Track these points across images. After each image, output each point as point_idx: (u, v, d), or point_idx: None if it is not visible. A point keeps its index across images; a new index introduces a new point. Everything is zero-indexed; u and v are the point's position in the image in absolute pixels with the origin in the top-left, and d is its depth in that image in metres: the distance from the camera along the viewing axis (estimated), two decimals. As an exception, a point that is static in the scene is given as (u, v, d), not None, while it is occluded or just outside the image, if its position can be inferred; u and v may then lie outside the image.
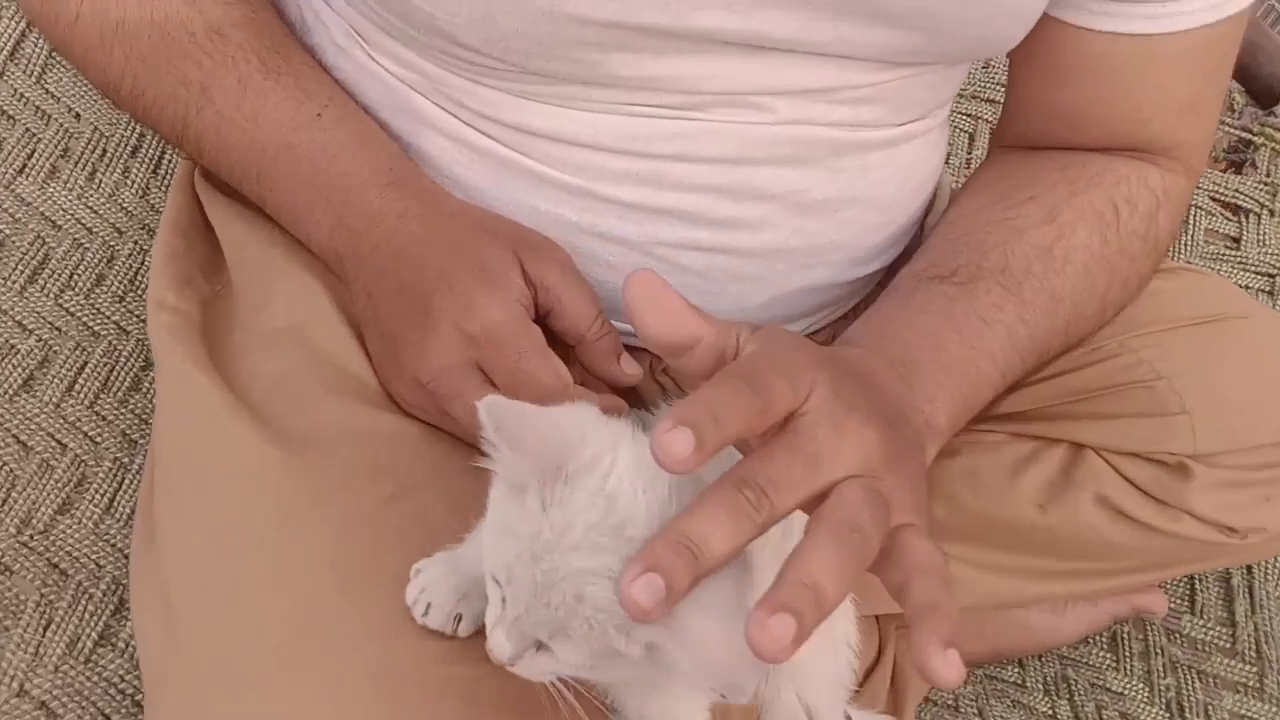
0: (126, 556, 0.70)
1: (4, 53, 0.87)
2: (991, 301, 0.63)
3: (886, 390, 0.53)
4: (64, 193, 0.83)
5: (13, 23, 0.88)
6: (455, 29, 0.58)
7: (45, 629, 0.65)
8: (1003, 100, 0.74)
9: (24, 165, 0.83)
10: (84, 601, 0.67)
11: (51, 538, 0.69)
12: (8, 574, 0.67)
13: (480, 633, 0.53)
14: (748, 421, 0.43)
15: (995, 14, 0.60)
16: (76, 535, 0.70)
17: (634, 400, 0.67)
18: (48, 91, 0.87)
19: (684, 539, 0.41)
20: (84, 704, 0.64)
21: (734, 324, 0.49)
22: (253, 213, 0.69)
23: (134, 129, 0.88)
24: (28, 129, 0.85)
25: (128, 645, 0.67)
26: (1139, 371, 0.70)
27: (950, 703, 0.87)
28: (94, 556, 0.69)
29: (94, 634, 0.66)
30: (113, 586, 0.69)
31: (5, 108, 0.85)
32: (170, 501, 0.62)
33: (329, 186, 0.64)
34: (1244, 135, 1.12)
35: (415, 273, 0.61)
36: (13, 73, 0.87)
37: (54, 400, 0.75)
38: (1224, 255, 1.06)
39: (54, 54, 0.88)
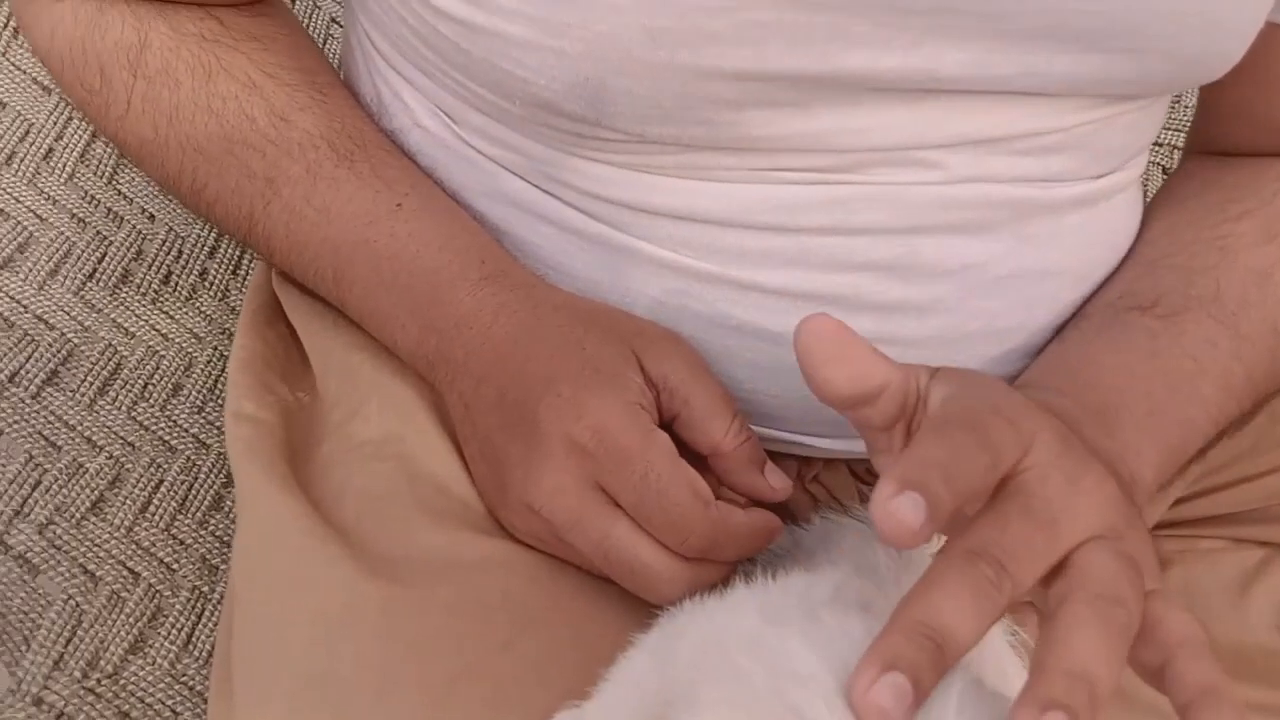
0: (205, 701, 0.61)
1: (75, 155, 0.81)
2: (1202, 336, 0.54)
3: (1089, 439, 0.46)
4: (137, 298, 0.77)
5: (83, 125, 0.82)
6: (556, 96, 0.50)
7: (113, 791, 0.56)
8: (1174, 140, 0.64)
9: (94, 270, 0.76)
10: (158, 757, 0.58)
11: (121, 682, 0.60)
12: (71, 726, 0.58)
13: None
14: (981, 479, 0.37)
15: (1213, 28, 0.50)
16: (150, 678, 0.61)
17: (782, 515, 0.57)
18: (119, 192, 0.81)
19: (924, 628, 0.34)
20: None
21: (914, 366, 0.42)
22: (336, 314, 0.61)
23: (211, 228, 0.81)
24: (99, 232, 0.78)
25: (208, 808, 0.57)
26: None
27: None
28: (170, 703, 0.61)
29: (169, 795, 0.57)
30: (190, 737, 0.59)
31: (76, 211, 0.79)
32: (248, 651, 0.53)
33: (413, 286, 0.55)
34: None
35: (516, 379, 0.52)
36: (83, 174, 0.81)
37: (125, 524, 0.66)
38: None
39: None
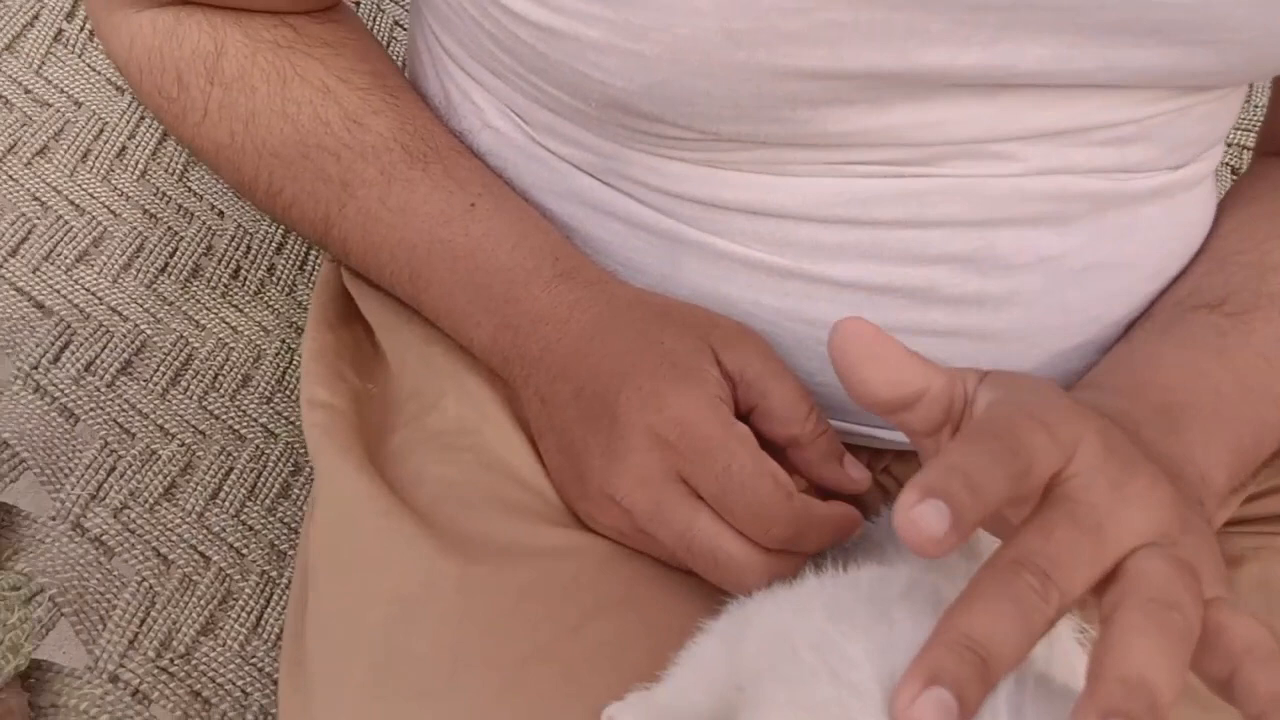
0: (274, 682, 0.62)
1: (147, 152, 0.83)
2: (1273, 335, 0.54)
3: (1152, 441, 0.45)
4: (207, 292, 0.78)
5: (155, 124, 0.84)
6: (632, 97, 0.50)
7: (187, 766, 0.57)
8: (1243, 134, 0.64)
9: (166, 264, 0.78)
10: (229, 734, 0.59)
11: (194, 662, 0.61)
12: (145, 703, 0.59)
13: None
14: (1009, 488, 0.35)
15: None
16: (221, 659, 0.62)
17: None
18: (190, 189, 0.82)
19: (967, 641, 0.33)
20: None
21: (961, 370, 0.40)
22: (409, 308, 0.62)
23: (278, 226, 0.83)
24: (170, 228, 0.80)
25: (277, 786, 0.58)
26: None
27: None
28: (240, 683, 0.61)
29: (240, 772, 0.58)
30: (260, 716, 0.60)
31: (148, 207, 0.80)
32: (323, 623, 0.54)
33: (489, 284, 0.56)
34: None
35: (594, 374, 0.52)
36: (155, 172, 0.83)
37: (197, 510, 0.68)
38: None
39: (197, 152, 0.84)
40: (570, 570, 0.52)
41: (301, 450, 0.73)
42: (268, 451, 0.72)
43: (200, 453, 0.70)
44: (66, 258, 0.76)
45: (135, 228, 0.79)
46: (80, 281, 0.75)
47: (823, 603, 0.42)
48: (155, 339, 0.74)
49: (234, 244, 0.81)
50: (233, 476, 0.70)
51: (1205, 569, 0.37)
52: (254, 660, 0.63)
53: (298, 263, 0.82)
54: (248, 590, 0.65)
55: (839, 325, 0.39)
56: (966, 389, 0.40)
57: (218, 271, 0.79)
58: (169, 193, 0.82)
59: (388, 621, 0.51)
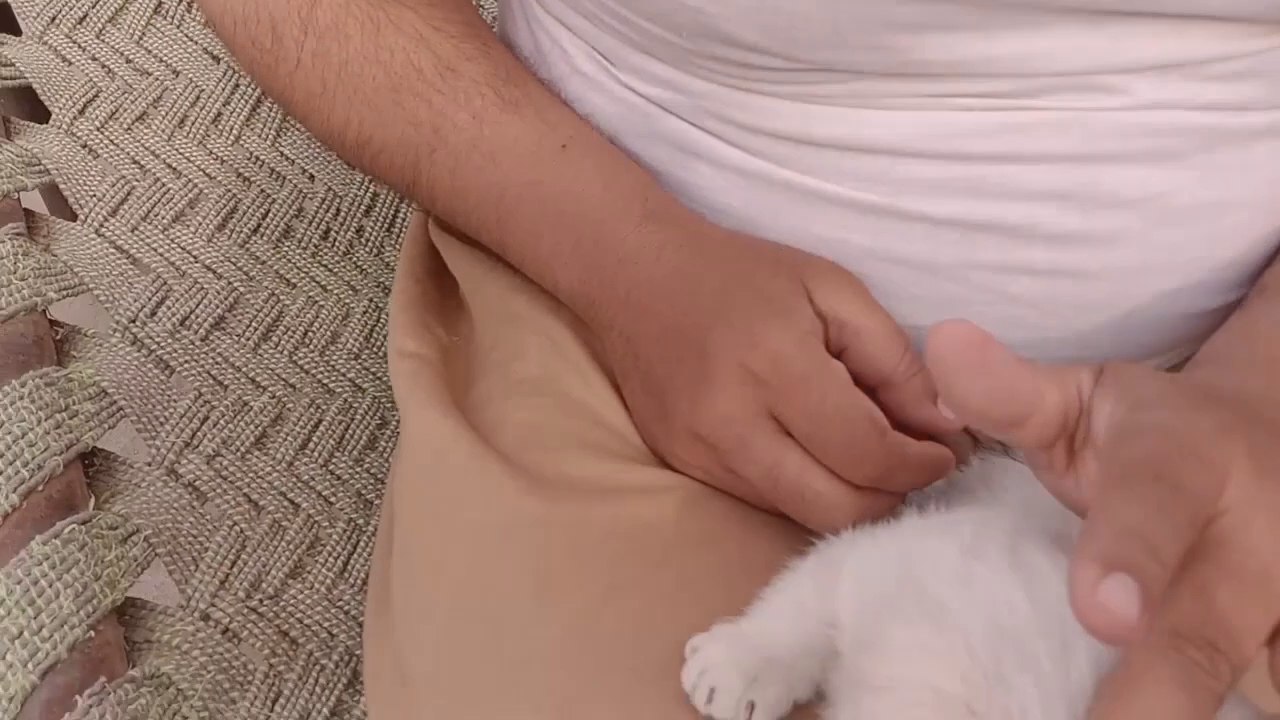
0: (359, 625, 0.63)
1: (241, 119, 0.85)
2: None
3: None
4: (298, 251, 0.80)
5: (249, 91, 0.86)
6: (728, 23, 0.49)
7: (274, 702, 0.58)
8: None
9: (259, 225, 0.80)
10: (315, 673, 0.60)
11: (282, 603, 0.63)
12: (235, 641, 0.60)
13: None
14: (1184, 542, 0.31)
15: None
16: (308, 601, 0.63)
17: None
18: (282, 154, 0.84)
19: None
20: (315, 787, 0.55)
21: (1069, 371, 0.37)
22: (494, 259, 0.62)
23: (368, 188, 0.84)
24: (263, 190, 0.82)
25: (363, 726, 0.59)
26: None
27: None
28: (326, 624, 0.62)
29: (326, 709, 0.59)
30: (346, 658, 0.61)
31: (242, 171, 0.82)
32: (408, 561, 0.55)
33: (577, 226, 0.56)
34: None
35: (683, 311, 0.52)
36: (248, 137, 0.84)
37: (286, 459, 0.69)
38: None
39: (288, 117, 0.86)
40: (654, 508, 0.51)
41: (388, 405, 0.74)
42: (355, 405, 0.73)
43: (290, 405, 0.72)
44: (163, 218, 0.78)
45: (229, 190, 0.81)
46: (176, 241, 0.77)
47: (939, 536, 0.40)
48: (247, 296, 0.76)
49: (324, 206, 0.82)
50: (321, 428, 0.71)
51: None
52: (340, 603, 0.64)
53: (385, 224, 0.83)
54: (335, 537, 0.66)
55: (937, 328, 0.35)
56: (1081, 396, 0.37)
57: (308, 232, 0.81)
58: (262, 157, 0.84)
59: (472, 556, 0.51)
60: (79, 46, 0.86)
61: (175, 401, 0.69)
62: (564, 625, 0.48)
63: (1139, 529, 0.30)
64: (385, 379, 0.74)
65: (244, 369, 0.72)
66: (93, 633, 0.56)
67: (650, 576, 0.49)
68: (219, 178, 0.81)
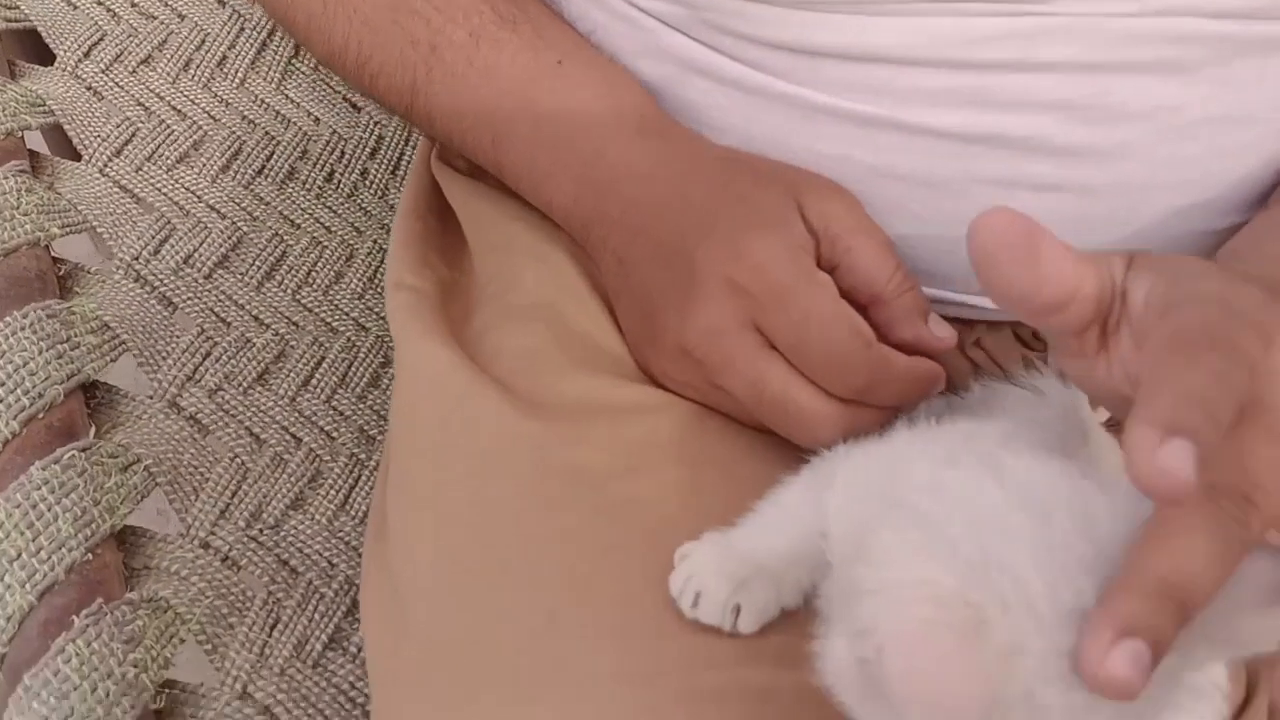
0: (360, 555, 0.63)
1: (246, 62, 0.85)
2: None
3: None
4: (302, 193, 0.79)
5: (254, 33, 0.86)
6: None
7: (272, 628, 0.58)
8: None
9: (263, 166, 0.80)
10: (314, 601, 0.60)
11: (282, 533, 0.62)
12: (235, 569, 0.60)
13: (768, 631, 0.43)
14: (1238, 403, 0.31)
15: None
16: (309, 532, 0.63)
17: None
18: (287, 97, 0.84)
19: (1162, 585, 0.30)
20: (310, 711, 0.56)
21: (1101, 257, 0.36)
22: (493, 190, 0.62)
23: (373, 131, 0.84)
24: (267, 132, 0.82)
25: (359, 651, 0.59)
26: None
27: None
28: (326, 554, 0.62)
29: (324, 636, 0.59)
30: (345, 587, 0.61)
31: (246, 113, 0.82)
32: (403, 486, 0.54)
33: (572, 143, 0.55)
34: None
35: (674, 228, 0.51)
36: (253, 81, 0.84)
37: (289, 394, 0.69)
38: None
39: (292, 61, 0.86)
40: (647, 424, 0.51)
41: (391, 344, 0.74)
42: (359, 344, 0.73)
43: (293, 342, 0.72)
44: (167, 159, 0.78)
45: (234, 132, 0.81)
46: (180, 181, 0.77)
47: (924, 449, 0.40)
48: (251, 236, 0.76)
49: (328, 149, 0.82)
50: (324, 365, 0.71)
51: None
52: (341, 534, 0.64)
53: (390, 167, 0.83)
54: (337, 470, 0.66)
55: (981, 219, 0.34)
56: (1115, 278, 0.36)
57: (312, 174, 0.81)
58: (267, 100, 0.83)
59: (465, 477, 0.51)
60: (84, -10, 0.86)
61: (178, 337, 0.69)
62: (556, 538, 0.47)
63: (1199, 394, 0.30)
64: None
65: (247, 306, 0.72)
66: (90, 556, 0.56)
67: (643, 491, 0.49)
68: (224, 120, 0.81)
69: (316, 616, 0.59)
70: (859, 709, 0.35)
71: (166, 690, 0.54)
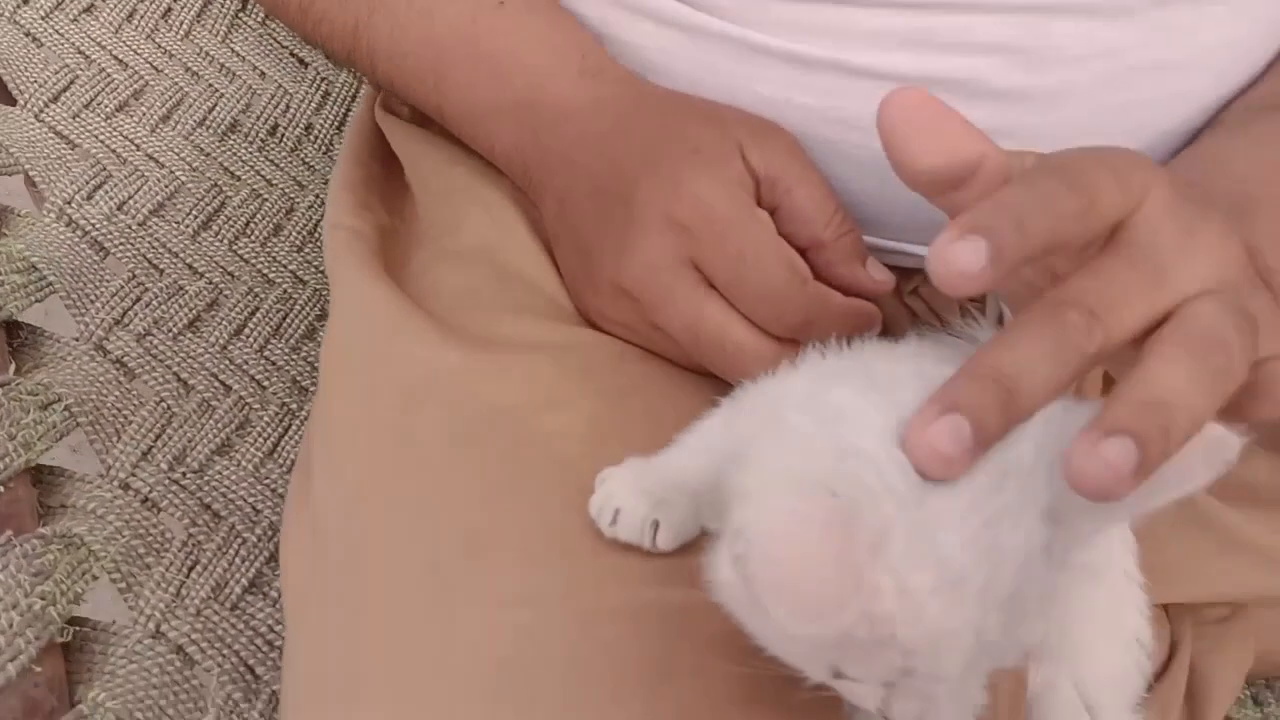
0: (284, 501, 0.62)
1: (192, 14, 0.83)
2: None
3: None
4: (244, 145, 0.78)
5: (202, -13, 0.85)
6: None
7: (190, 570, 0.57)
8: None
9: (204, 118, 0.78)
10: (235, 545, 0.59)
11: (206, 478, 0.61)
12: (154, 510, 0.59)
13: (687, 553, 0.42)
14: (1063, 226, 0.32)
15: None
16: (234, 478, 0.61)
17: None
18: (233, 51, 0.83)
19: (994, 372, 0.31)
20: (225, 651, 0.54)
21: (1019, 152, 0.36)
22: (437, 137, 0.61)
23: (318, 87, 0.83)
24: (210, 85, 0.80)
25: (280, 596, 0.57)
26: None
27: (1269, 733, 0.69)
28: (251, 500, 0.61)
29: (244, 580, 0.57)
30: (269, 533, 0.60)
31: (190, 65, 0.81)
32: (331, 417, 0.53)
33: (513, 84, 0.54)
34: None
35: (614, 166, 0.50)
36: (199, 33, 0.83)
37: (220, 342, 0.67)
38: None
39: (239, 15, 0.84)
40: (578, 360, 0.50)
41: (330, 297, 0.73)
42: (295, 296, 0.72)
43: (227, 291, 0.70)
44: (106, 107, 0.76)
45: (176, 83, 0.79)
46: (119, 129, 0.76)
47: (816, 370, 0.40)
48: (189, 185, 0.74)
49: (273, 103, 0.81)
50: (258, 316, 0.70)
51: (1270, 328, 0.34)
52: (267, 481, 0.62)
53: (335, 124, 0.82)
54: (266, 418, 0.65)
55: (890, 96, 0.35)
56: (1025, 166, 0.36)
57: (255, 127, 0.79)
58: (212, 53, 0.82)
59: (393, 410, 0.50)
60: (28, -61, 0.84)
61: (107, 282, 0.68)
62: (477, 467, 0.46)
63: (1014, 204, 0.31)
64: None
65: (181, 254, 0.71)
66: (2, 489, 0.54)
67: (566, 424, 0.48)
68: (166, 71, 0.80)
69: (237, 561, 0.58)
70: (746, 619, 0.34)
71: (76, 626, 0.53)
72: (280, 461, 0.63)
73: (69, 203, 0.70)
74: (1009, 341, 0.31)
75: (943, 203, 0.36)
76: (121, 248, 0.70)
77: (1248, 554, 0.58)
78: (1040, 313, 0.32)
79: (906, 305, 0.58)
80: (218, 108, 0.79)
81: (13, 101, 0.75)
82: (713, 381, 0.49)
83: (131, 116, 0.77)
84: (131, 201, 0.72)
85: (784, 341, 0.48)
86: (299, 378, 0.68)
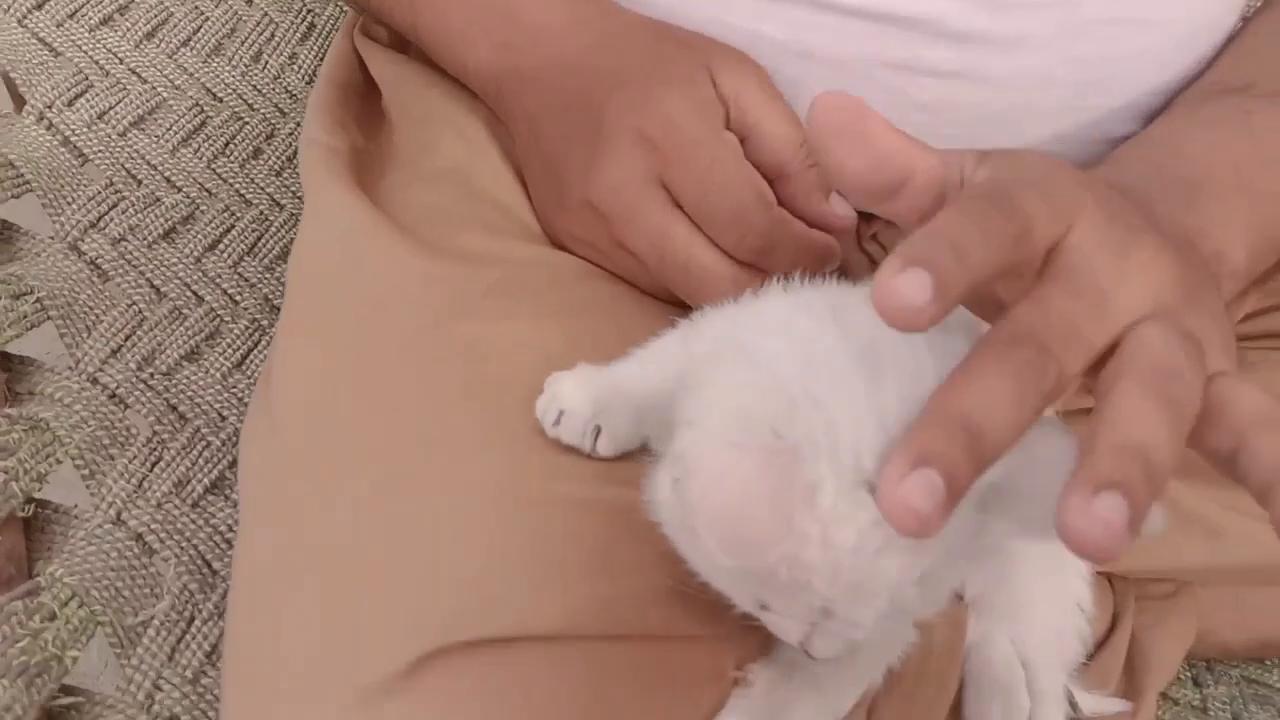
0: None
1: (183, -61, 0.83)
2: None
3: (1167, 215, 0.42)
4: (227, 68, 0.78)
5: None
6: None
7: (154, 465, 0.57)
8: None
9: (189, 38, 0.78)
10: (200, 447, 0.59)
11: (174, 380, 0.61)
12: (121, 406, 0.59)
13: (626, 458, 0.44)
14: (999, 254, 0.32)
15: None
16: (201, 383, 0.62)
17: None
18: (222, -23, 0.83)
19: (959, 418, 0.30)
20: (183, 543, 0.54)
21: (958, 152, 0.37)
22: (414, 62, 0.62)
23: (304, 17, 0.83)
24: (196, 8, 0.81)
25: (243, 499, 0.58)
26: None
27: (1197, 704, 0.71)
28: (217, 406, 0.61)
29: (207, 480, 0.58)
30: (233, 439, 0.60)
31: (177, -13, 0.81)
32: (295, 318, 0.54)
33: (489, 2, 0.55)
34: None
35: (587, 85, 0.51)
36: (189, -43, 0.83)
37: (194, 255, 0.68)
38: None
39: (232, -57, 0.85)
40: (543, 275, 0.51)
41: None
42: (271, 218, 0.72)
43: (204, 208, 0.70)
44: (91, 19, 0.76)
45: (163, 3, 0.80)
46: (102, 42, 0.76)
47: (775, 298, 0.41)
48: (170, 101, 0.75)
49: (258, 30, 0.81)
50: (234, 233, 0.70)
51: (1212, 342, 0.35)
52: (234, 390, 0.62)
53: (320, 54, 0.82)
54: (236, 331, 0.65)
55: (817, 99, 0.34)
56: (963, 172, 0.36)
57: (240, 52, 0.80)
58: (200, -23, 0.82)
59: (356, 310, 0.51)
60: None
61: (85, 186, 0.68)
62: (431, 373, 0.47)
63: (950, 233, 0.31)
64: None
65: (159, 168, 0.71)
66: (-31, 369, 0.54)
67: (525, 333, 0.49)
68: (153, -10, 0.80)
69: (201, 461, 0.58)
70: (680, 542, 0.35)
71: (38, 508, 0.53)
72: (248, 373, 0.64)
73: (49, 107, 0.70)
74: (968, 382, 0.31)
75: (879, 210, 0.36)
76: (100, 155, 0.70)
77: (1191, 526, 0.59)
78: (993, 351, 0.31)
79: (865, 250, 0.59)
80: (202, 30, 0.79)
81: (-3, 6, 0.75)
82: (675, 308, 0.51)
83: (116, 31, 0.77)
84: (112, 112, 0.72)
85: (747, 268, 0.49)
86: (271, 296, 0.68)
